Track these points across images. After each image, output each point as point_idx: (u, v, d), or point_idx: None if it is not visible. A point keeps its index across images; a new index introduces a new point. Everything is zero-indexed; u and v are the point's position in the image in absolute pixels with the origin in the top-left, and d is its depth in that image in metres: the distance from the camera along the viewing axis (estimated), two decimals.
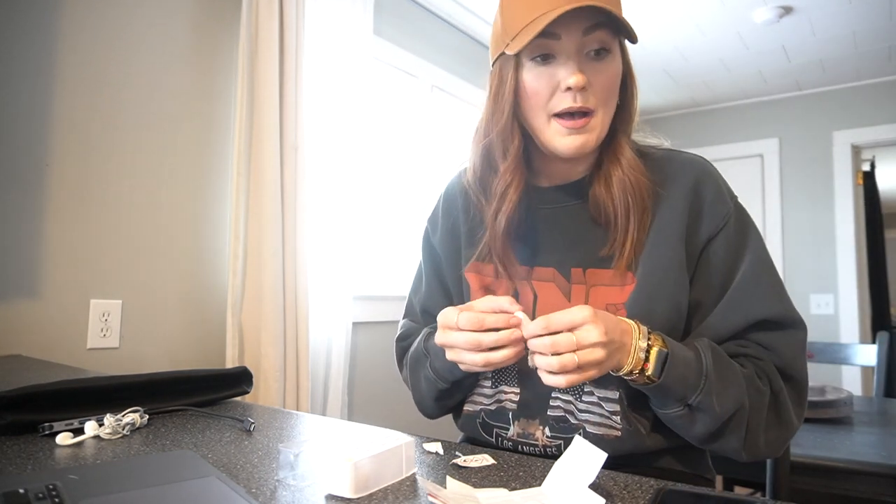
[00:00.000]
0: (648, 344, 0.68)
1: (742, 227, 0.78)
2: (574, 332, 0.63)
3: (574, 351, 0.63)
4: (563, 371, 0.63)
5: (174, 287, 1.69)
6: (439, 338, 0.74)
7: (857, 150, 3.59)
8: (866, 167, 3.82)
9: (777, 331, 0.75)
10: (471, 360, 0.70)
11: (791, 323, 0.76)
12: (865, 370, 3.36)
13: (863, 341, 3.41)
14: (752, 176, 3.83)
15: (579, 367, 0.63)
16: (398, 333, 1.00)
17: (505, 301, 0.69)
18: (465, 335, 0.69)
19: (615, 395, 0.76)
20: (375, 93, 2.34)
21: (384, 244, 2.43)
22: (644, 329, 0.69)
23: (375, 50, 2.33)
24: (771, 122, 3.78)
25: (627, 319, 0.69)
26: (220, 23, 1.83)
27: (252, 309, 1.76)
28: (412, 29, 2.60)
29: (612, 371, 0.69)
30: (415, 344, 0.91)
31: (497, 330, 0.68)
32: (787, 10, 2.68)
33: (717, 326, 0.76)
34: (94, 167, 1.53)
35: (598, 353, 0.63)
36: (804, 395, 0.76)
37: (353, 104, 2.10)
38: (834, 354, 2.20)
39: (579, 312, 0.64)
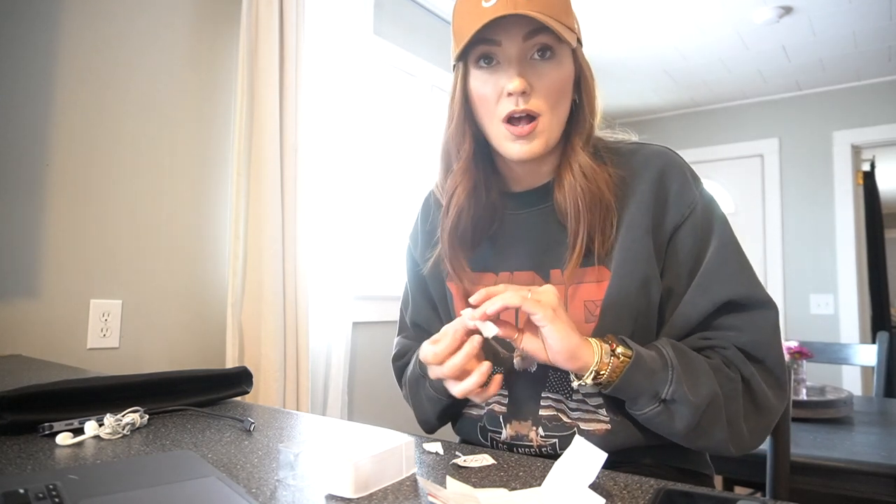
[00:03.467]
0: (611, 347, 0.71)
1: (708, 215, 0.79)
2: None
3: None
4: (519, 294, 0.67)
5: (174, 287, 1.69)
6: (422, 353, 0.76)
7: (857, 150, 3.59)
8: (866, 167, 3.82)
9: (744, 312, 0.76)
10: (433, 373, 0.74)
11: (759, 303, 0.76)
12: (865, 370, 3.36)
13: (863, 341, 3.41)
14: (752, 176, 3.83)
15: (534, 298, 0.67)
16: (394, 353, 1.01)
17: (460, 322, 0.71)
18: (430, 349, 0.73)
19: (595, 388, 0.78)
20: (375, 93, 2.34)
21: (384, 244, 2.43)
22: (605, 345, 0.71)
23: (375, 50, 2.33)
24: (771, 122, 3.78)
25: (591, 339, 0.72)
26: (220, 23, 1.83)
27: (252, 309, 1.76)
28: (412, 29, 2.60)
29: (579, 372, 0.70)
30: (410, 366, 0.93)
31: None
32: (787, 10, 2.68)
33: (688, 313, 0.77)
34: (94, 167, 1.53)
35: (550, 296, 0.68)
36: (781, 376, 0.76)
37: (353, 104, 2.10)
38: (834, 354, 2.20)
39: (544, 286, 0.70)
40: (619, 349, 0.70)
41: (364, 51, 2.15)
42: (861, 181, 3.64)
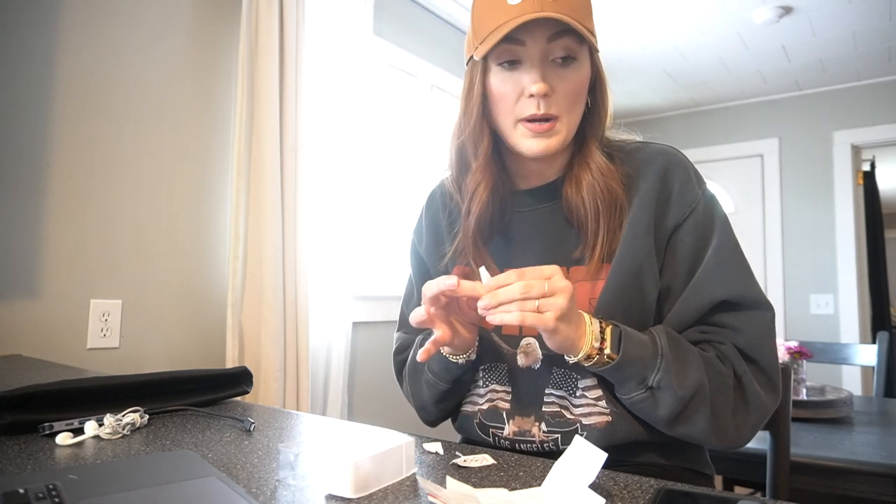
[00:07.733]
0: (601, 326, 0.70)
1: (709, 215, 0.79)
2: (546, 280, 0.65)
3: (539, 298, 0.64)
4: (521, 311, 0.65)
5: (174, 287, 1.69)
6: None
7: (857, 150, 3.59)
8: (866, 167, 3.82)
9: (741, 311, 0.76)
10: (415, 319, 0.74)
11: (755, 304, 0.76)
12: (865, 370, 3.36)
13: (863, 341, 3.41)
14: (752, 176, 3.83)
15: (538, 311, 0.64)
16: (394, 347, 1.01)
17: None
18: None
19: (593, 381, 0.78)
20: (375, 93, 2.34)
21: (384, 244, 2.43)
22: (595, 319, 0.71)
23: (375, 50, 2.33)
24: (771, 122, 3.78)
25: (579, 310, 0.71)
26: (220, 23, 1.83)
27: (252, 309, 1.76)
28: (412, 29, 2.60)
29: (571, 356, 0.70)
30: (411, 355, 0.93)
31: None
32: (787, 10, 2.68)
33: (684, 310, 0.77)
34: (94, 167, 1.53)
35: (561, 301, 0.65)
36: (774, 377, 0.76)
37: (353, 104, 2.10)
38: (834, 354, 2.20)
39: (549, 268, 0.67)
40: (607, 350, 0.69)
41: (364, 51, 2.15)
42: (861, 181, 3.64)
